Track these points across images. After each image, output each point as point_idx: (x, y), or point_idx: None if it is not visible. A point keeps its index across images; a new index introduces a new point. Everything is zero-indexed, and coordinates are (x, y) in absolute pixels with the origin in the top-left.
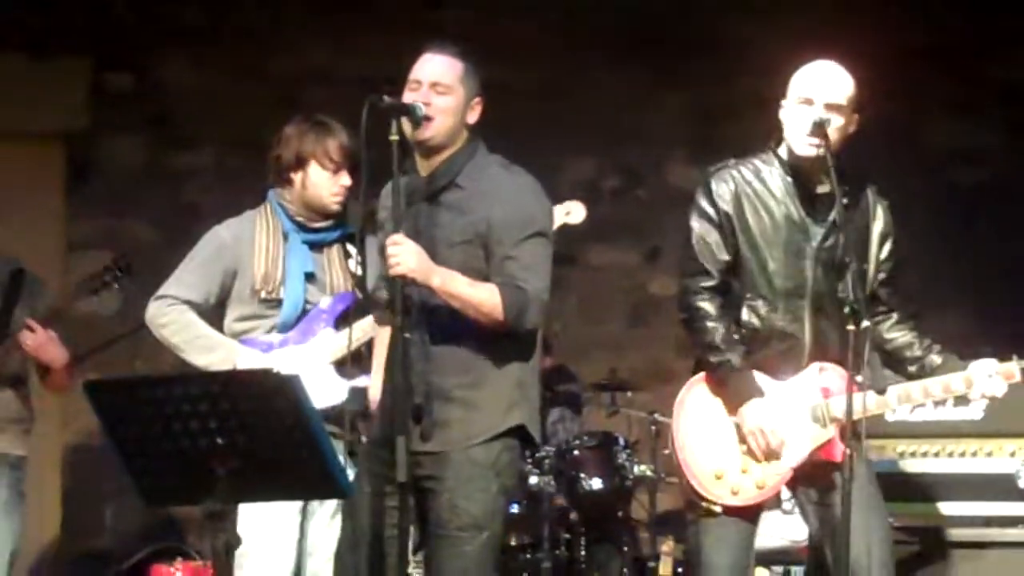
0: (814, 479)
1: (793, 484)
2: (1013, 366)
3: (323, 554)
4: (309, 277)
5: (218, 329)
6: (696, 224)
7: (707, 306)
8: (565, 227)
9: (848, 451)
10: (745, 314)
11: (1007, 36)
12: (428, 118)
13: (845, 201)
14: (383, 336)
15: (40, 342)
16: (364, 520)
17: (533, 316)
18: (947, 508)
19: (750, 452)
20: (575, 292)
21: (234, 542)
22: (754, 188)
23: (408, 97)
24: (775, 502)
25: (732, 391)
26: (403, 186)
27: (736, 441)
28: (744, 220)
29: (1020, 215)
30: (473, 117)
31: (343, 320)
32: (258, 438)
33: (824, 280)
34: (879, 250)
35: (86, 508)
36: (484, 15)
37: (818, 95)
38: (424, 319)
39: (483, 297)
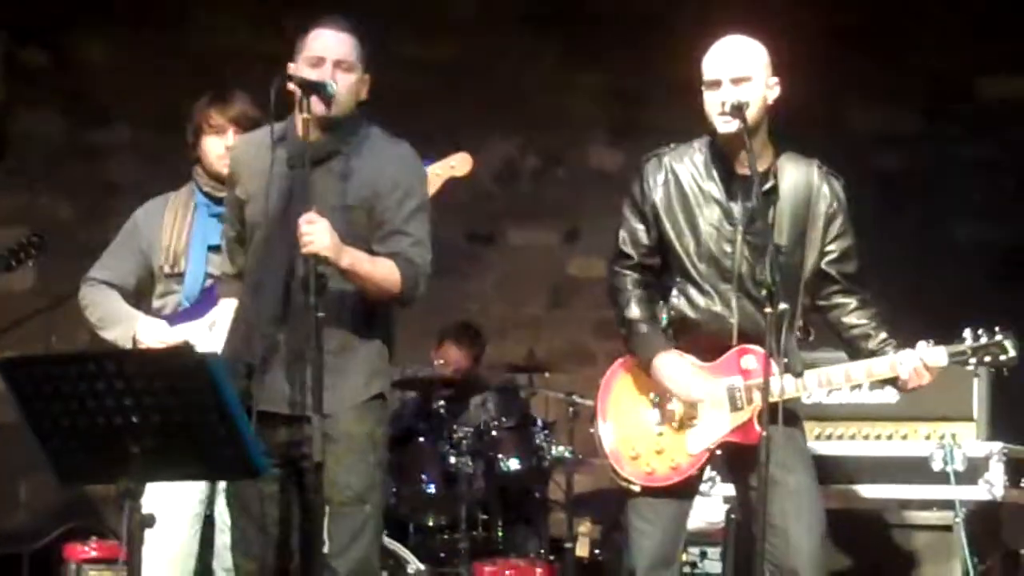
0: (739, 463)
1: (722, 468)
2: (941, 353)
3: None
4: (214, 249)
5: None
6: (625, 210)
7: (621, 282)
8: (452, 180)
9: (764, 433)
10: (674, 298)
11: (930, 21)
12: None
13: (773, 182)
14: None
15: None
16: (257, 501)
17: (422, 288)
18: (863, 491)
19: (670, 423)
20: (494, 272)
21: (148, 521)
22: (683, 173)
23: (311, 74)
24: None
25: (642, 350)
26: (284, 150)
27: (653, 423)
28: (671, 205)
29: (939, 201)
30: (364, 92)
31: None
32: (173, 416)
33: (753, 263)
34: (825, 230)
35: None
36: None
37: (723, 73)
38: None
39: (384, 274)
